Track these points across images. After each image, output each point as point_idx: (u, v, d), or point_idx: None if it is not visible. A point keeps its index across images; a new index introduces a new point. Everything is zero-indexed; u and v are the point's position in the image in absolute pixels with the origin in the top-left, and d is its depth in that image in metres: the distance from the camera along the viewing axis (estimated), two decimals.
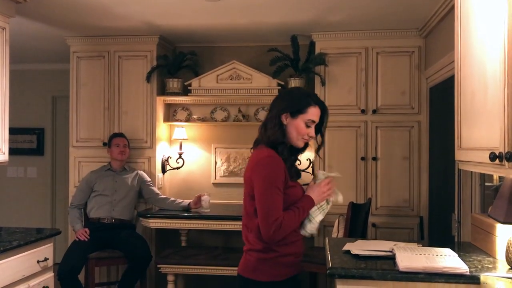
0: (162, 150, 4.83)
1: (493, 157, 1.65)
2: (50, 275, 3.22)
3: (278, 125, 2.20)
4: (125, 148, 4.44)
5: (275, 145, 2.18)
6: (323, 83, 4.42)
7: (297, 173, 2.24)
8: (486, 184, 3.12)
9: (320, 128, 2.27)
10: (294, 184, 2.20)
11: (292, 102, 2.22)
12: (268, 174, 2.09)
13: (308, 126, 2.20)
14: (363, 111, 4.39)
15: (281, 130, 2.20)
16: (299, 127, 2.19)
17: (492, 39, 1.78)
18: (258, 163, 2.14)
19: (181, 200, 4.41)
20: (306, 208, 2.17)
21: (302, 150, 2.30)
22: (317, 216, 2.21)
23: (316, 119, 2.21)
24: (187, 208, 4.34)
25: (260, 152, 2.17)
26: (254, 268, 2.16)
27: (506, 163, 1.60)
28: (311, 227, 2.20)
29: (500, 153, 1.63)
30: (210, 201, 4.41)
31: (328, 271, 2.01)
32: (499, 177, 2.77)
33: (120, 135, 4.51)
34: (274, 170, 2.09)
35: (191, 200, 4.35)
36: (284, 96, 2.30)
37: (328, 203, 2.24)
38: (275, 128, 2.19)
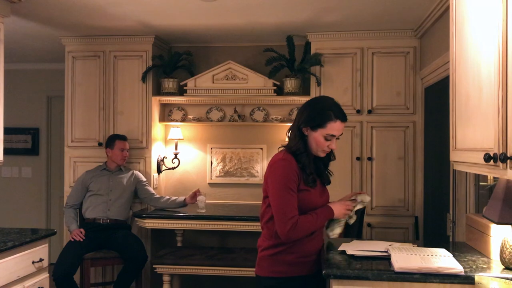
0: (158, 150, 4.82)
1: (487, 158, 1.66)
2: (45, 275, 3.22)
3: (299, 136, 2.29)
4: (127, 152, 4.45)
5: (296, 154, 2.27)
6: (318, 83, 4.43)
7: (314, 181, 2.28)
8: (481, 184, 3.13)
9: None
10: (308, 188, 2.25)
11: (312, 115, 2.27)
12: (281, 175, 2.21)
13: (327, 140, 2.25)
14: (358, 111, 4.41)
15: (302, 141, 2.29)
16: (318, 140, 2.26)
17: (486, 41, 1.79)
18: (273, 166, 2.27)
19: (176, 197, 4.40)
20: (323, 215, 2.26)
21: (330, 159, 2.40)
22: (335, 229, 2.38)
23: (336, 133, 2.27)
24: (183, 204, 4.33)
25: (277, 155, 2.31)
26: (258, 264, 2.35)
27: (501, 164, 1.61)
28: (328, 233, 2.40)
29: (494, 154, 1.64)
30: (206, 201, 4.42)
31: (323, 272, 2.02)
32: (494, 177, 2.79)
33: (125, 138, 4.48)
34: (286, 172, 2.21)
35: (187, 196, 4.34)
36: (306, 108, 2.33)
37: (347, 220, 2.41)
38: (296, 139, 2.30)
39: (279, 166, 2.25)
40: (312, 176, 2.27)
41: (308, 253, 2.28)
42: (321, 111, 2.26)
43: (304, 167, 2.25)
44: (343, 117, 2.29)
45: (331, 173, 2.44)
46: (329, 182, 2.43)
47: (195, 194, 4.31)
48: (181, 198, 4.35)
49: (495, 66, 1.68)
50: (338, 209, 2.31)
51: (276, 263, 2.27)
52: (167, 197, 4.42)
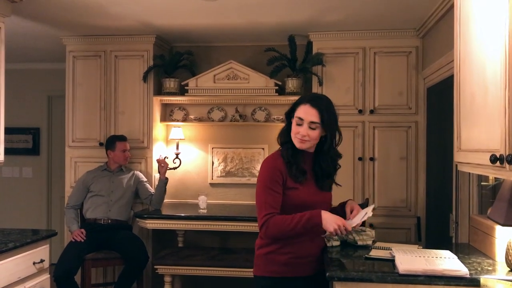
0: (159, 150, 4.80)
1: (493, 159, 1.64)
2: (46, 276, 3.20)
3: (286, 125, 2.34)
4: (129, 152, 4.44)
5: (282, 148, 2.30)
6: (320, 83, 4.41)
7: (302, 174, 2.24)
8: (482, 183, 3.11)
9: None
10: (296, 186, 2.23)
11: (293, 103, 2.34)
12: (263, 174, 2.26)
13: (298, 125, 2.24)
14: (360, 111, 4.39)
15: (288, 130, 2.31)
16: (292, 126, 2.27)
17: (492, 41, 1.77)
18: (261, 165, 2.34)
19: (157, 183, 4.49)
20: (305, 218, 2.13)
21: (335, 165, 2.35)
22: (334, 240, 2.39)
23: (303, 115, 2.22)
24: (163, 182, 4.42)
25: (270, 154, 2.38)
26: (254, 263, 2.34)
27: (507, 165, 1.59)
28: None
29: (501, 155, 1.62)
30: (207, 201, 4.40)
31: (327, 274, 2.00)
32: (495, 177, 2.76)
33: (124, 138, 4.46)
34: (269, 170, 2.24)
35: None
36: None
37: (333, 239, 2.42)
38: (283, 128, 2.35)
39: (264, 165, 2.30)
40: (298, 168, 2.23)
41: (303, 254, 2.25)
42: (300, 98, 2.35)
43: (289, 162, 2.24)
44: (311, 101, 2.24)
45: (336, 183, 2.37)
46: (327, 189, 2.33)
47: (159, 162, 4.48)
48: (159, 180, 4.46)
49: (501, 65, 1.66)
50: (330, 220, 2.11)
51: (270, 263, 2.25)
52: (153, 192, 4.46)
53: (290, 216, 2.15)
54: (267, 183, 2.21)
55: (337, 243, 2.40)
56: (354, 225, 2.17)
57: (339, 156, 2.37)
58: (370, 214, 2.19)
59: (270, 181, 2.21)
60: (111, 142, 4.41)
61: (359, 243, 2.43)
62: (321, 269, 2.25)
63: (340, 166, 2.39)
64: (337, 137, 2.33)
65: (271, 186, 2.20)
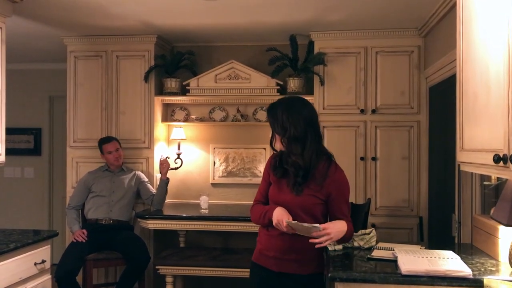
0: (160, 150, 4.79)
1: (497, 159, 1.63)
2: (47, 277, 3.20)
3: None
4: (118, 151, 4.40)
5: None
6: (322, 83, 4.39)
7: (278, 167, 2.37)
8: (485, 183, 3.10)
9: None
10: (273, 181, 2.39)
11: None
12: None
13: None
14: (362, 111, 4.37)
15: None
16: None
17: (495, 39, 1.76)
18: None
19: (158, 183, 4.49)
20: (265, 212, 2.35)
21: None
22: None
23: None
24: (164, 182, 4.41)
25: None
26: None
27: (511, 165, 1.58)
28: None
29: (504, 155, 1.61)
30: (209, 201, 4.40)
31: (329, 275, 1.99)
32: (497, 177, 2.75)
33: (108, 140, 4.43)
34: (266, 163, 2.51)
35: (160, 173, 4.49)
36: None
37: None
38: None
39: None
40: (276, 162, 2.38)
41: (268, 248, 2.37)
42: None
43: (276, 156, 2.44)
44: None
45: (299, 186, 2.31)
46: (297, 192, 2.30)
47: (161, 164, 4.47)
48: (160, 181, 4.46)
49: (504, 65, 1.65)
50: (275, 214, 2.27)
51: (256, 248, 2.46)
52: (155, 192, 4.45)
53: (261, 207, 2.39)
54: (263, 174, 2.50)
55: (339, 247, 2.41)
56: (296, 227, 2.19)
57: (291, 155, 2.32)
58: (310, 227, 2.15)
59: (264, 173, 2.48)
60: (99, 146, 4.42)
61: (366, 246, 2.44)
62: (290, 270, 2.31)
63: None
64: (283, 134, 2.38)
65: (264, 177, 2.48)
